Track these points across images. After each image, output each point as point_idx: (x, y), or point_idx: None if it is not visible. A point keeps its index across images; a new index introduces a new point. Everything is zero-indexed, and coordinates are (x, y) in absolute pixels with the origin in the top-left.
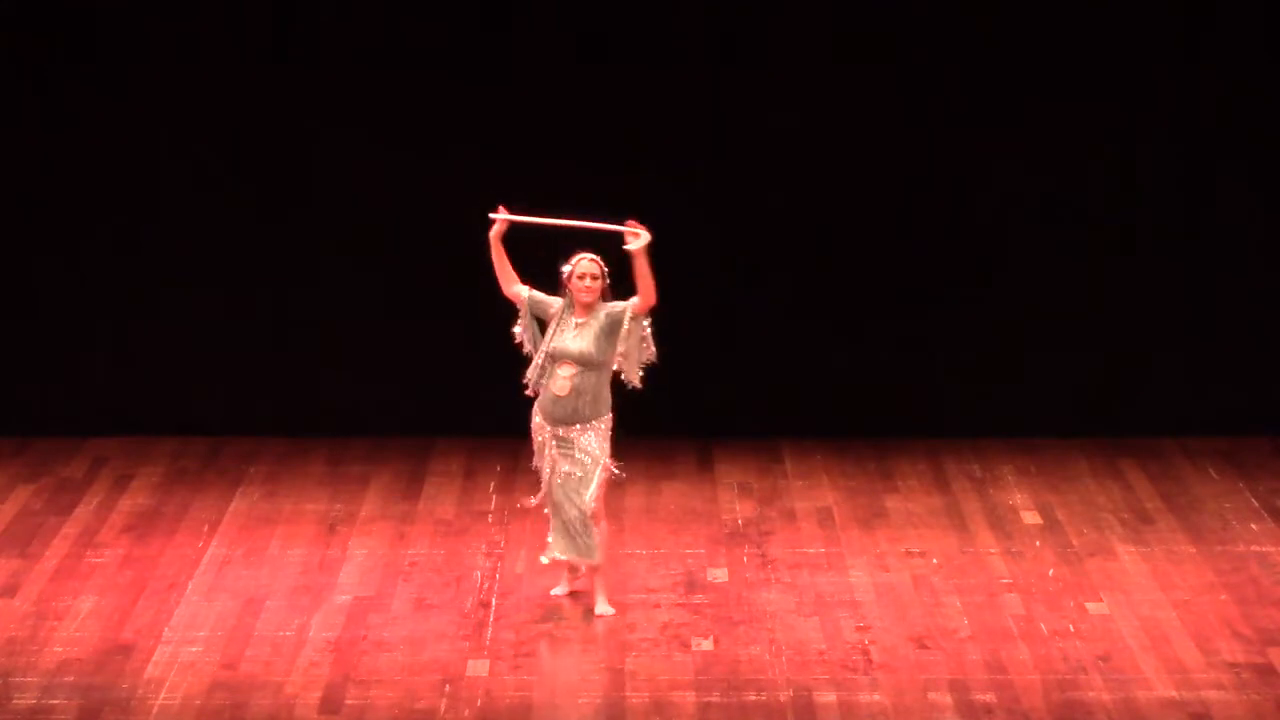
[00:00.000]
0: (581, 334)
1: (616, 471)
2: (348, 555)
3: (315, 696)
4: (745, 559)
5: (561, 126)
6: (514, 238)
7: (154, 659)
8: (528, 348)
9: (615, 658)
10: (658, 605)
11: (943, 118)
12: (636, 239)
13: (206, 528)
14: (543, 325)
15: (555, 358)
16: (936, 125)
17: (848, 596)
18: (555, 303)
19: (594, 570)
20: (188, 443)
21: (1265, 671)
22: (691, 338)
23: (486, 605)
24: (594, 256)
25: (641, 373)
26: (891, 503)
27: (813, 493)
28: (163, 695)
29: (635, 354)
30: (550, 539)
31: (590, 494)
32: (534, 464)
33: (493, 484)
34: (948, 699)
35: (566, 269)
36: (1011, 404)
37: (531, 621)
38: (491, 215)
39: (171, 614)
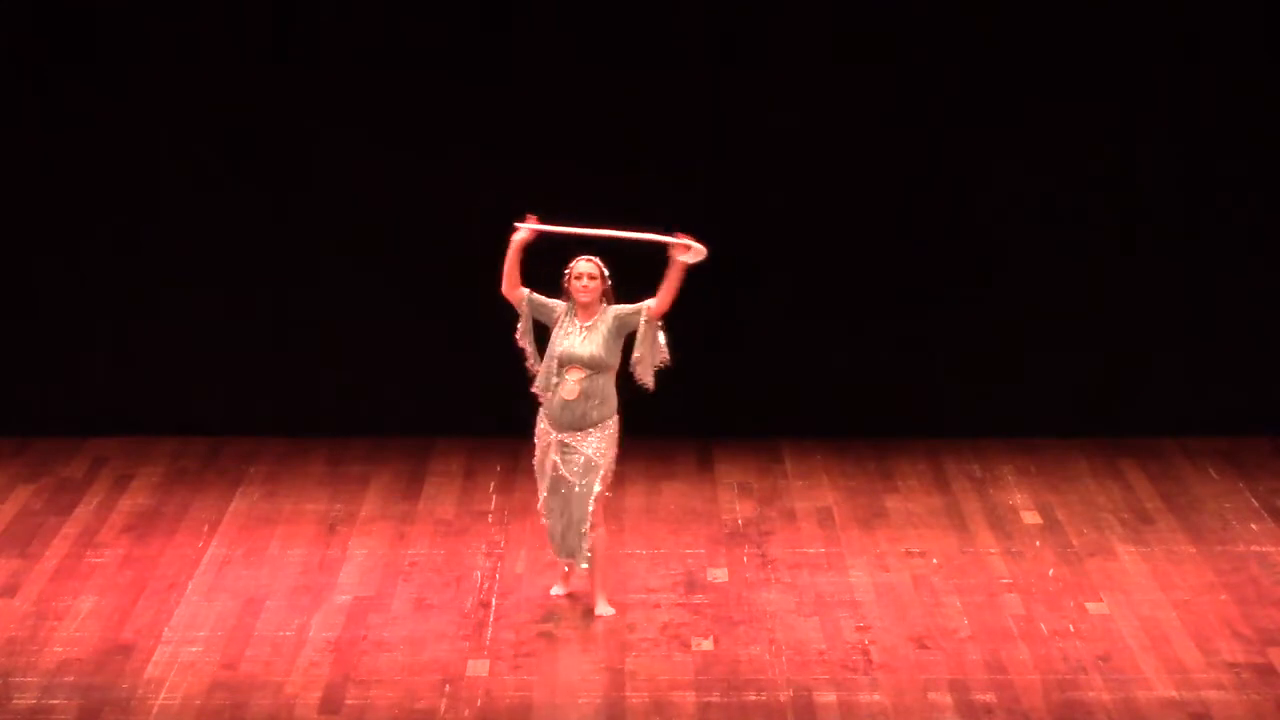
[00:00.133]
0: (589, 337)
1: (608, 493)
2: (348, 555)
3: (315, 696)
4: (745, 559)
5: (561, 126)
6: (536, 247)
7: (154, 659)
8: (530, 355)
9: (615, 658)
10: (658, 605)
11: (943, 118)
12: (688, 251)
13: (206, 528)
14: (541, 328)
15: (564, 362)
16: (936, 125)
17: (848, 596)
18: (557, 305)
19: (591, 571)
20: (188, 443)
21: (1265, 671)
22: (691, 338)
23: (486, 605)
24: (592, 257)
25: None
26: (891, 503)
27: (813, 493)
28: (163, 695)
29: (650, 357)
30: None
31: (590, 502)
32: (535, 467)
33: (493, 484)
34: (948, 699)
35: (566, 271)
36: (1011, 404)
37: (531, 621)
38: (518, 225)
39: (171, 614)
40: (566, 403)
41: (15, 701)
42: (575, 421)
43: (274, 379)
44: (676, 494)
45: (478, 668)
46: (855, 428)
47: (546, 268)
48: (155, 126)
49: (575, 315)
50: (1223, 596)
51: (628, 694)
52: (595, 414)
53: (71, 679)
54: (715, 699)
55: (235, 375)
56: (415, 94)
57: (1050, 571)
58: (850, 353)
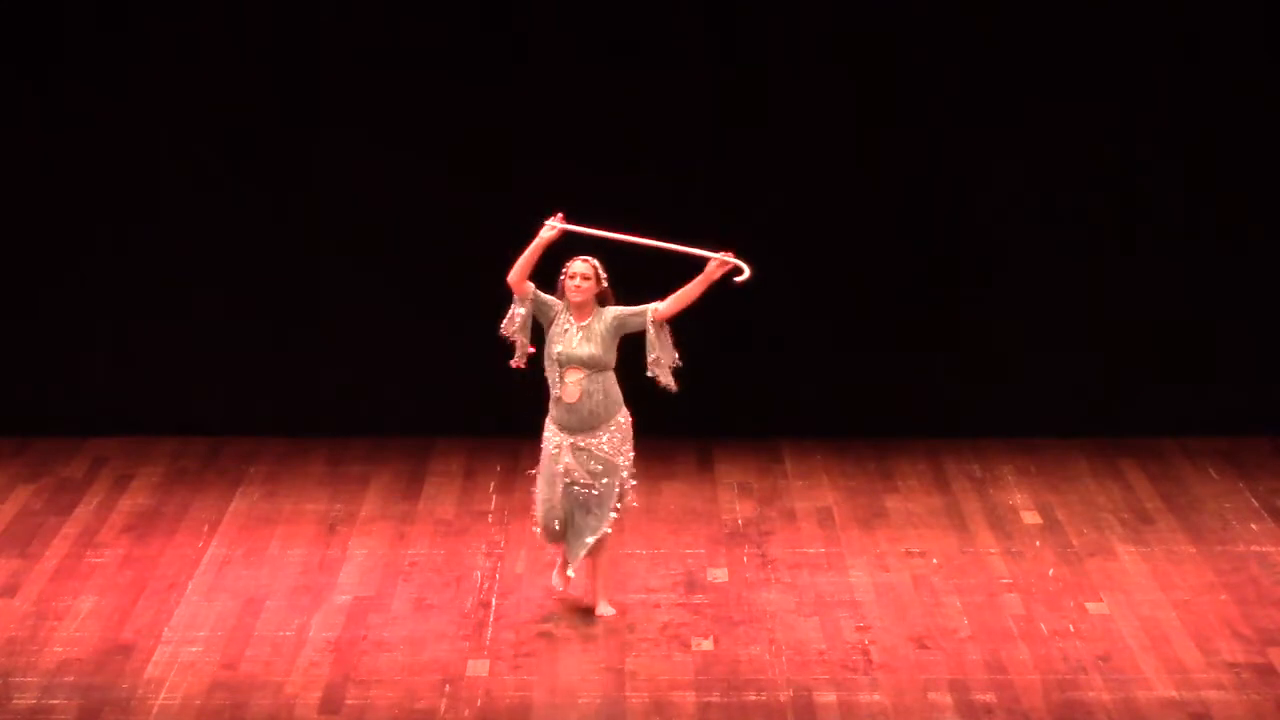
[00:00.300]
0: (586, 337)
1: (631, 494)
2: (348, 555)
3: (315, 696)
4: (745, 559)
5: (561, 126)
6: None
7: (154, 659)
8: (519, 348)
9: (615, 658)
10: (658, 605)
11: (943, 118)
12: (733, 269)
13: (206, 528)
14: (535, 327)
15: (563, 363)
16: (936, 125)
17: (848, 596)
18: (555, 304)
19: (592, 571)
20: (188, 443)
21: (1265, 671)
22: (692, 338)
23: (486, 605)
24: (588, 257)
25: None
26: (891, 503)
27: (813, 493)
28: (163, 695)
29: (664, 358)
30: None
31: (612, 504)
32: (539, 477)
33: (493, 484)
34: (948, 699)
35: (563, 270)
36: (1011, 404)
37: (531, 621)
38: (549, 222)
39: (171, 614)
40: (570, 405)
41: (15, 701)
42: (584, 422)
43: (274, 379)
44: (676, 494)
45: (478, 668)
46: (855, 428)
47: (550, 263)
48: (155, 126)
49: (570, 315)
50: (1223, 596)
51: (628, 694)
52: (602, 411)
53: (71, 679)
54: (715, 699)
55: (235, 375)
56: (415, 94)
57: (1050, 571)
58: (850, 353)
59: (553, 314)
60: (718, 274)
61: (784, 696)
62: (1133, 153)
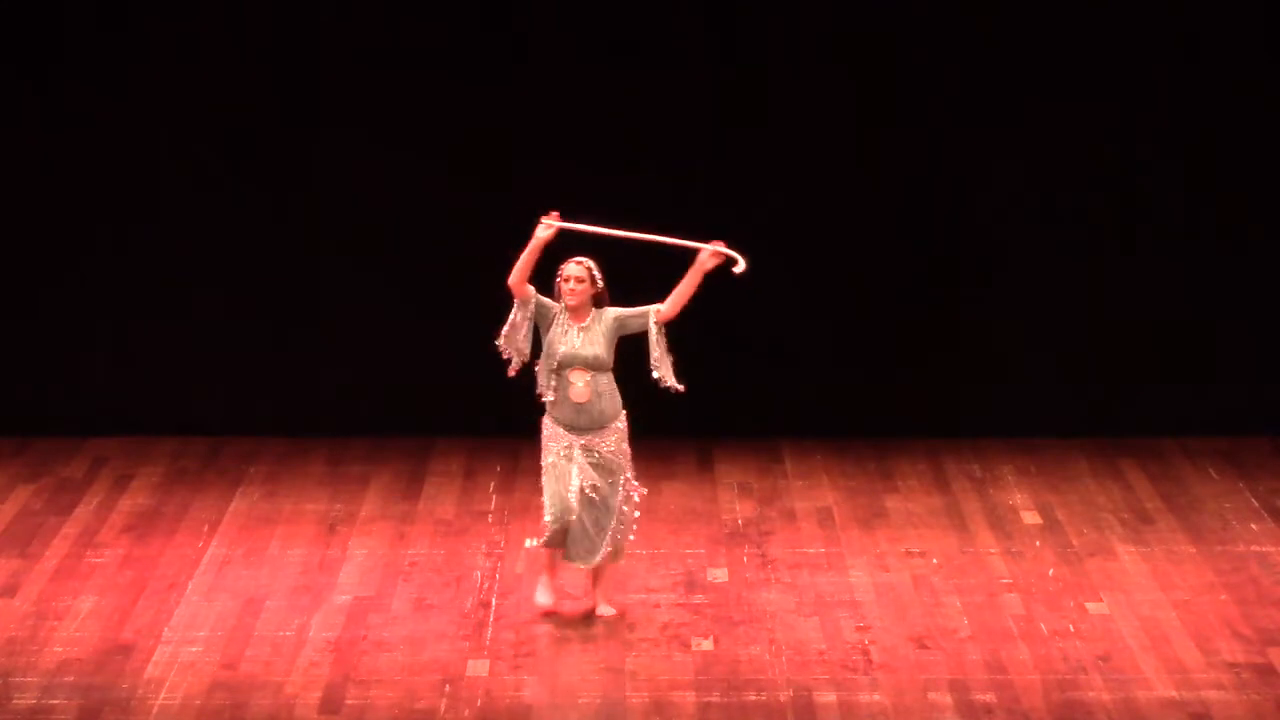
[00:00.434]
0: (588, 338)
1: (639, 492)
2: (348, 555)
3: (315, 696)
4: (745, 559)
5: (561, 126)
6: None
7: (154, 659)
8: (514, 357)
9: (615, 658)
10: (658, 605)
11: (943, 118)
12: (723, 259)
13: (206, 528)
14: (537, 331)
15: (566, 364)
16: (936, 125)
17: (848, 596)
18: (554, 306)
19: (593, 572)
20: (188, 443)
21: (1265, 671)
22: (692, 338)
23: (486, 605)
24: (582, 259)
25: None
26: (891, 503)
27: (813, 493)
28: (163, 695)
29: (666, 358)
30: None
31: (620, 498)
32: (544, 476)
33: (493, 484)
34: (948, 699)
35: (558, 272)
36: (1011, 404)
37: (531, 621)
38: (544, 220)
39: (171, 614)
40: (581, 405)
41: (15, 701)
42: (594, 421)
43: (274, 379)
44: (676, 494)
45: (478, 668)
46: (855, 428)
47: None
48: (155, 126)
49: (568, 317)
50: (1223, 596)
51: (628, 694)
52: (609, 410)
53: (71, 679)
54: (715, 699)
55: (235, 375)
56: (415, 94)
57: (1050, 571)
58: (850, 353)
59: (551, 316)
60: (710, 264)
61: (784, 696)
62: (1133, 153)
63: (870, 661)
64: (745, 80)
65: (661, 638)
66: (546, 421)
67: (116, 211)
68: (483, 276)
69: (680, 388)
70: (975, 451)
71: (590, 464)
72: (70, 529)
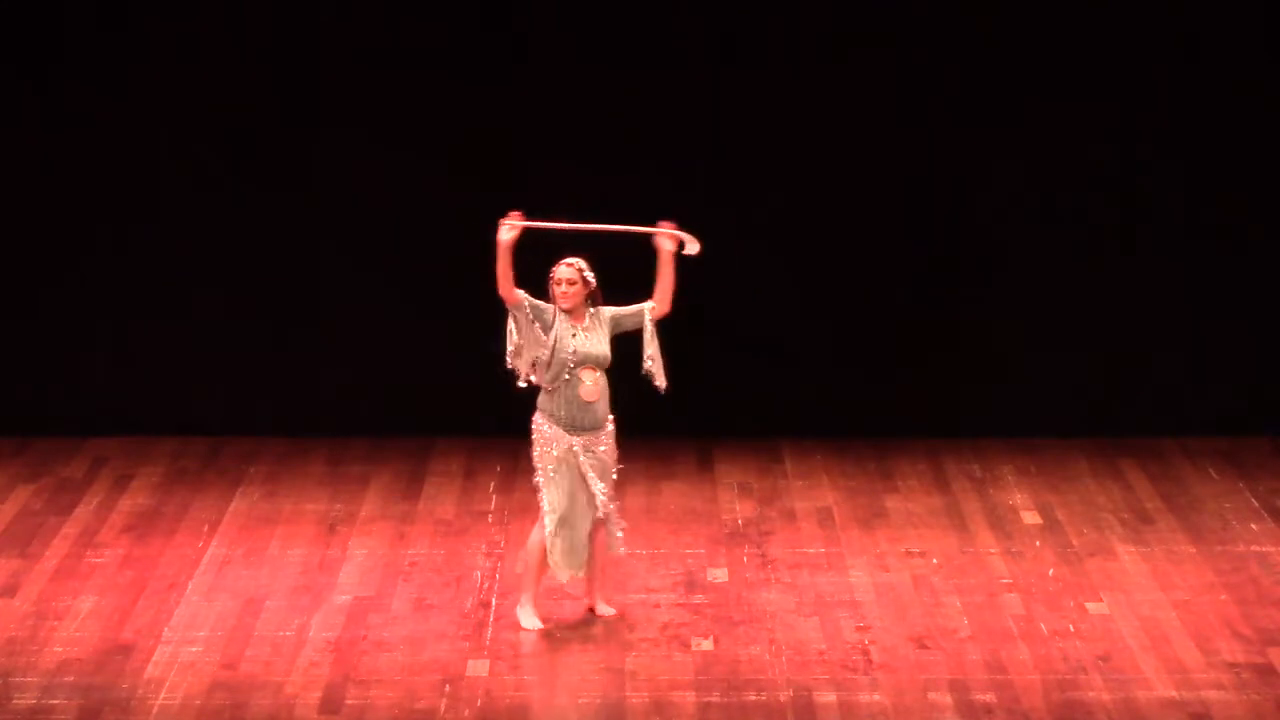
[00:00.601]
0: (592, 337)
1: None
2: (348, 555)
3: (315, 696)
4: (745, 559)
5: (561, 126)
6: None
7: (154, 659)
8: (524, 372)
9: (615, 658)
10: (658, 605)
11: (943, 118)
12: (673, 241)
13: (206, 528)
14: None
15: (578, 363)
16: (936, 125)
17: (848, 596)
18: (548, 308)
19: (590, 572)
20: (188, 443)
21: (1265, 671)
22: (692, 338)
23: (486, 605)
24: (573, 260)
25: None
26: (891, 503)
27: (813, 493)
28: (163, 695)
29: (659, 356)
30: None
31: (606, 500)
32: (543, 480)
33: (493, 484)
34: (948, 699)
35: (550, 275)
36: (1011, 404)
37: None
38: (505, 222)
39: (171, 614)
40: (588, 404)
41: (15, 701)
42: (596, 421)
43: (274, 379)
44: (676, 494)
45: (478, 668)
46: (855, 428)
47: (539, 267)
48: (155, 126)
49: (567, 319)
50: (1223, 596)
51: (628, 694)
52: (605, 409)
53: (71, 679)
54: (715, 699)
55: (235, 375)
56: (415, 94)
57: (1050, 571)
58: (850, 353)
59: (550, 318)
60: (671, 247)
61: (784, 696)
62: (1133, 153)
63: (870, 661)
64: (745, 80)
65: (661, 638)
66: (543, 423)
67: (116, 211)
68: (483, 276)
69: (665, 385)
70: (975, 451)
71: (591, 467)
72: (70, 529)
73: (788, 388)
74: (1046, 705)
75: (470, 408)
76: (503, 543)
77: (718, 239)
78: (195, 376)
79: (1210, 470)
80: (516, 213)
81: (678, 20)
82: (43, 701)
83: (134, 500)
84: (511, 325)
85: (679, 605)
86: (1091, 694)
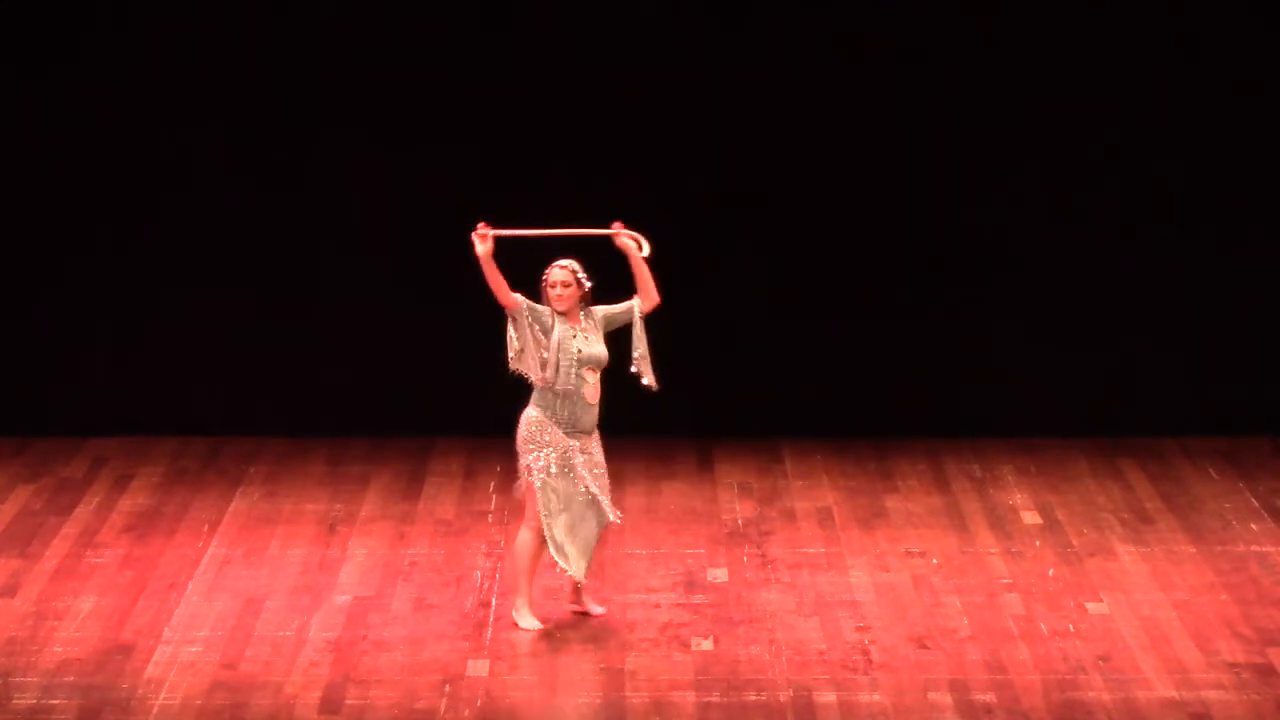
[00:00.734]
0: (591, 338)
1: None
2: (348, 555)
3: (315, 696)
4: (745, 559)
5: (561, 127)
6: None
7: (154, 659)
8: (536, 370)
9: (615, 658)
10: (658, 605)
11: (943, 118)
12: (639, 246)
13: (206, 528)
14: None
15: (584, 364)
16: (936, 125)
17: (848, 596)
18: (545, 309)
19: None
20: (188, 443)
21: (1265, 671)
22: (691, 338)
23: (486, 605)
24: (566, 263)
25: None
26: (891, 503)
27: (813, 493)
28: (163, 695)
29: (646, 353)
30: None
31: (608, 502)
32: (539, 484)
33: (493, 484)
34: (948, 699)
35: (543, 278)
36: (1011, 404)
37: None
38: (475, 234)
39: (171, 614)
40: (590, 405)
41: (15, 701)
42: (594, 423)
43: (274, 379)
44: (676, 494)
45: (478, 668)
46: (855, 428)
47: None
48: (155, 126)
49: (564, 320)
50: (1223, 596)
51: (628, 694)
52: (599, 413)
53: (71, 679)
54: (715, 699)
55: (235, 375)
56: (415, 94)
57: (1050, 571)
58: (850, 353)
59: (548, 321)
60: (633, 245)
61: (784, 696)
62: (1133, 153)
63: (870, 661)
64: (745, 80)
65: (661, 638)
66: (540, 423)
67: (116, 211)
68: (482, 276)
69: (656, 385)
70: (975, 451)
71: (588, 470)
72: (70, 529)
73: (788, 388)
74: (1046, 705)
75: (470, 408)
76: (503, 543)
77: (718, 239)
78: (195, 376)
79: (1210, 470)
80: (483, 223)
81: (678, 20)
82: (43, 701)
83: (134, 500)
84: (511, 330)
85: (679, 605)
86: (1091, 694)
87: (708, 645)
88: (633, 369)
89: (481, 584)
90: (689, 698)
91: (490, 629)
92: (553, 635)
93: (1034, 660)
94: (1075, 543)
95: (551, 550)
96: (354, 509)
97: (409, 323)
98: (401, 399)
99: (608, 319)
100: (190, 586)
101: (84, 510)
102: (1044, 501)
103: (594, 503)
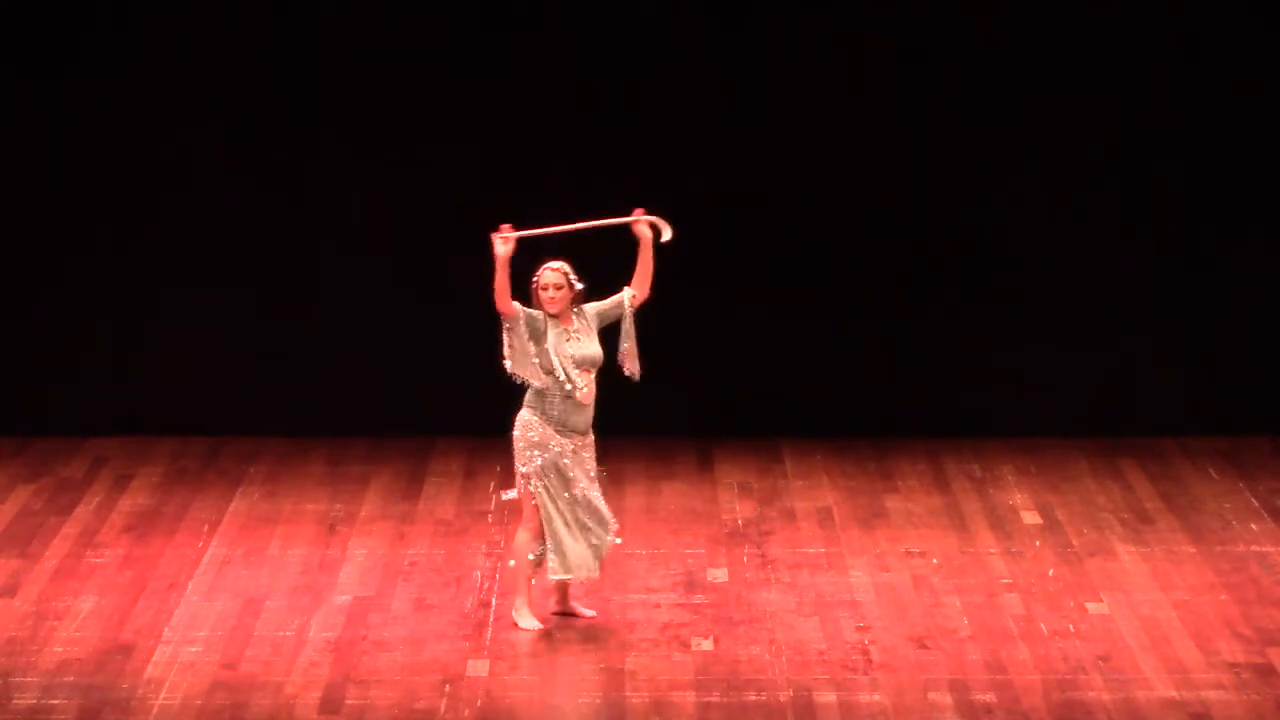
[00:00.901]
0: (584, 339)
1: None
2: (348, 555)
3: (315, 696)
4: (745, 559)
5: (561, 127)
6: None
7: (154, 659)
8: (532, 376)
9: (615, 658)
10: (658, 605)
11: (943, 118)
12: (661, 232)
13: (206, 528)
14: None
15: (579, 365)
16: (936, 125)
17: (848, 596)
18: (538, 314)
19: (565, 581)
20: (188, 443)
21: (1265, 671)
22: (691, 338)
23: (486, 605)
24: (557, 265)
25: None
26: (891, 503)
27: (813, 493)
28: (163, 695)
29: (634, 347)
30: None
31: (602, 501)
32: (533, 488)
33: (493, 484)
34: (948, 699)
35: (534, 281)
36: (1011, 404)
37: None
38: (497, 236)
39: (171, 614)
40: (583, 406)
41: (15, 701)
42: (587, 424)
43: (274, 379)
44: (676, 494)
45: (478, 668)
46: (855, 428)
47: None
48: (155, 127)
49: (556, 323)
50: (1223, 596)
51: (628, 694)
52: (593, 415)
53: (71, 679)
54: (715, 699)
55: (235, 375)
56: (415, 94)
57: (1050, 571)
58: (850, 353)
59: (543, 325)
60: (649, 234)
61: (784, 696)
62: (1133, 153)
63: (870, 661)
64: (745, 80)
65: (661, 638)
66: (534, 424)
67: (116, 211)
68: (483, 276)
69: (638, 376)
70: (975, 451)
71: (579, 466)
72: (70, 529)
73: (788, 388)
74: (1046, 705)
75: (470, 408)
76: (503, 543)
77: (718, 238)
78: (195, 376)
79: (1210, 470)
80: (507, 225)
81: (678, 20)
82: (43, 701)
83: (134, 500)
84: (506, 338)
85: (679, 605)
86: (1091, 694)
87: (708, 645)
88: (618, 360)
89: (481, 584)
90: (689, 698)
91: (490, 629)
92: (553, 635)
93: (1034, 660)
94: (1075, 543)
95: (548, 556)
96: (354, 509)
97: (409, 323)
98: (401, 399)
99: (600, 316)
100: (190, 586)
101: (84, 510)
102: (1044, 501)
103: (590, 504)
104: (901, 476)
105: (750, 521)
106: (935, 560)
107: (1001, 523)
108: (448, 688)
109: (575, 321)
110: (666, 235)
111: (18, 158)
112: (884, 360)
